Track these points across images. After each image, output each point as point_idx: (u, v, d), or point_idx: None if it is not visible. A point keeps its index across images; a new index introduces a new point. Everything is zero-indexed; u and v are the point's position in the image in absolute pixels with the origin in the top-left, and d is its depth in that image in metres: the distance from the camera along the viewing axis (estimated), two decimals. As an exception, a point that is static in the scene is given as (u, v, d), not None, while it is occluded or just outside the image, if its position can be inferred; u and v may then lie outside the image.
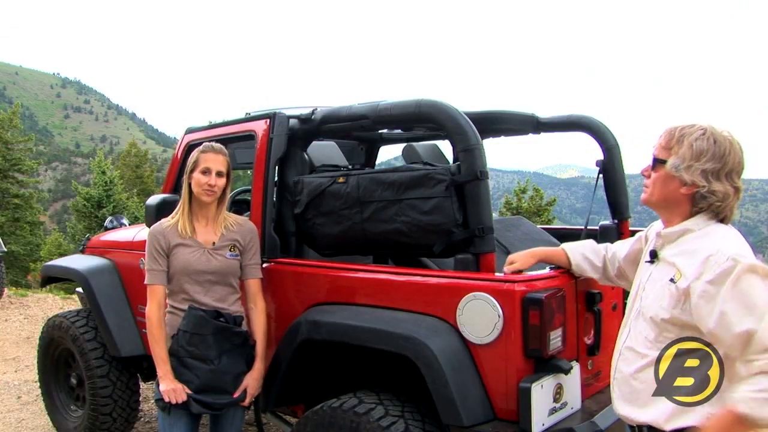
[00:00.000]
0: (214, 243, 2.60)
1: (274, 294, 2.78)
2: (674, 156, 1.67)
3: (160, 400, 2.47)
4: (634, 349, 1.74)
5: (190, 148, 3.38)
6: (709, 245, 1.60)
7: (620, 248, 2.12)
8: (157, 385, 2.51)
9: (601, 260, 2.15)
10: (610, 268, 2.13)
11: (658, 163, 1.71)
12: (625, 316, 1.86)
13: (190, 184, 2.57)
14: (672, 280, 1.66)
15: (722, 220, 1.68)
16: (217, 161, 2.54)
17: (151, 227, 2.65)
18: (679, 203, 1.70)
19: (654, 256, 1.77)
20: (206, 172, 2.53)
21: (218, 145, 2.63)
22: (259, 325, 2.62)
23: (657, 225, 1.87)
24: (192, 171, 2.55)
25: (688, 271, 1.61)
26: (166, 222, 2.63)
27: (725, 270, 1.53)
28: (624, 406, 1.77)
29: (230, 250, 2.61)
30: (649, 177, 1.75)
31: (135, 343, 3.63)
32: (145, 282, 2.57)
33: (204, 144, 2.64)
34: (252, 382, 2.57)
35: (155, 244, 2.55)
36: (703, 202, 1.65)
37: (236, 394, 2.53)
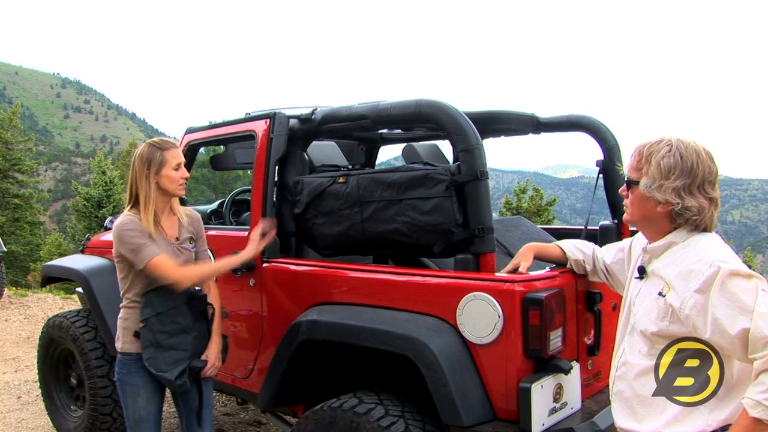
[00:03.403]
0: (177, 238, 2.61)
1: (275, 294, 2.78)
2: (645, 176, 1.68)
3: (179, 377, 2.44)
4: (631, 363, 1.75)
5: (190, 148, 3.38)
6: (693, 255, 1.62)
7: (605, 253, 2.16)
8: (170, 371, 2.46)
9: (591, 251, 2.22)
10: (598, 263, 2.18)
11: (632, 184, 1.73)
12: (619, 333, 1.87)
13: (157, 183, 2.49)
14: (660, 293, 1.67)
15: (705, 230, 1.69)
16: (180, 155, 2.57)
17: (118, 221, 2.50)
18: (658, 221, 1.71)
19: (642, 272, 1.79)
20: (177, 168, 2.53)
21: (170, 140, 2.61)
22: (213, 300, 2.66)
23: (640, 239, 1.89)
24: (159, 171, 2.48)
25: (675, 285, 1.62)
26: (128, 216, 2.50)
27: (709, 277, 1.55)
28: (624, 420, 1.78)
29: (190, 242, 2.65)
30: (627, 197, 1.77)
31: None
32: (145, 259, 2.39)
33: (158, 140, 2.57)
34: (212, 355, 2.61)
35: (135, 229, 2.44)
36: (680, 218, 1.66)
37: (206, 371, 2.56)
